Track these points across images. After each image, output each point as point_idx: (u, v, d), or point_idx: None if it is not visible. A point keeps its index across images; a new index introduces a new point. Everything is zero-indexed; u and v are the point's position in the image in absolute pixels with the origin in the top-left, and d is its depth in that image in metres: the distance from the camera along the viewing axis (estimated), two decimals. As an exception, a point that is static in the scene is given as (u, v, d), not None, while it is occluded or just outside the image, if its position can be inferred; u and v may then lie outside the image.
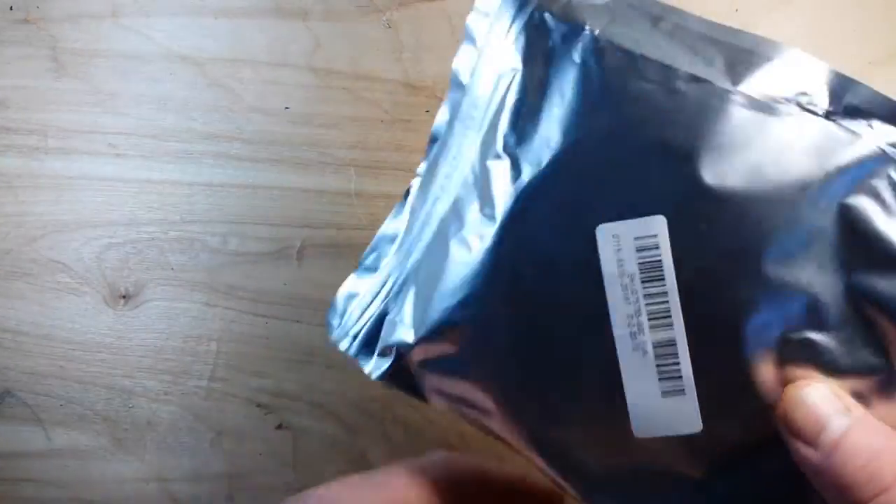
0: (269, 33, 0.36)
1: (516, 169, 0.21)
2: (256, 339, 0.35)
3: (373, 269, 0.24)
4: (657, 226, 0.20)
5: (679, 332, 0.20)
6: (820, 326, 0.19)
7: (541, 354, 0.21)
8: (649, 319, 0.20)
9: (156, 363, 0.36)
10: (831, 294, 0.19)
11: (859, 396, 0.19)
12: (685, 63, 0.20)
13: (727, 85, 0.20)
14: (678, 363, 0.20)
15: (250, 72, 0.36)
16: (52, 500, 0.36)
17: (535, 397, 0.21)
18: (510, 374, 0.21)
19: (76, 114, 0.36)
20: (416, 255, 0.23)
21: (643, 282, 0.20)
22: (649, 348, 0.20)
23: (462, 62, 0.24)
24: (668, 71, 0.20)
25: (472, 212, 0.22)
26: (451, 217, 0.22)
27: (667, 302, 0.20)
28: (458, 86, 0.24)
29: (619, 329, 0.20)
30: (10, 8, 0.37)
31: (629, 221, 0.20)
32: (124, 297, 0.36)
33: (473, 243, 0.21)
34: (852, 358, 0.19)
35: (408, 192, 0.24)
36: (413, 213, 0.23)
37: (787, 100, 0.20)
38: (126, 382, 0.36)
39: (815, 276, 0.19)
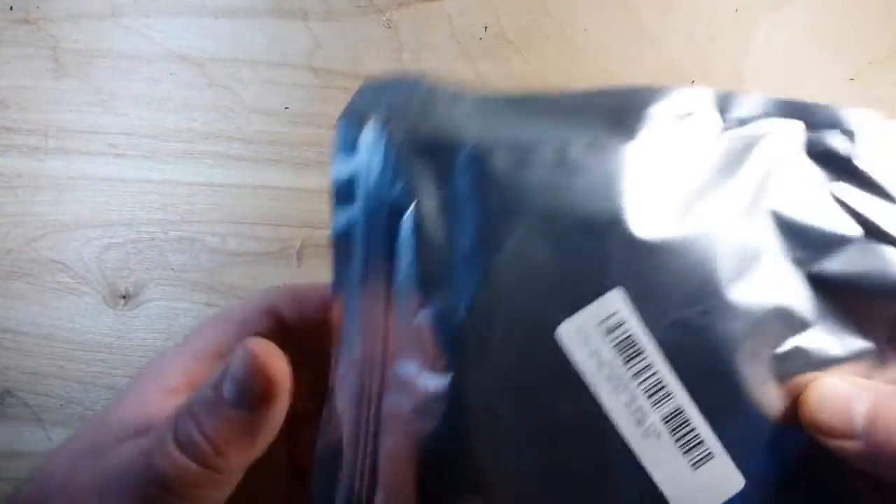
0: (269, 33, 0.36)
1: (445, 313, 0.19)
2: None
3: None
4: (616, 300, 0.19)
5: (682, 397, 0.19)
6: (802, 328, 0.19)
7: (559, 487, 0.20)
8: (648, 398, 0.19)
9: (156, 363, 0.36)
10: (798, 295, 0.19)
11: (861, 378, 0.20)
12: (572, 136, 0.20)
13: (619, 140, 0.20)
14: (694, 429, 0.19)
15: (250, 72, 0.36)
16: (52, 500, 0.36)
17: None
18: None
19: (76, 114, 0.36)
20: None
21: (625, 363, 0.19)
22: (660, 428, 0.19)
23: (343, 177, 0.21)
24: (558, 150, 0.20)
25: (415, 374, 0.20)
26: (393, 395, 0.20)
27: (656, 372, 0.19)
28: (346, 204, 0.21)
29: (623, 422, 0.19)
30: (11, 8, 0.37)
31: (587, 309, 0.19)
32: (124, 297, 0.36)
33: (431, 412, 0.20)
34: (842, 346, 0.20)
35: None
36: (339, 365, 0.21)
37: (683, 132, 0.20)
38: (126, 382, 0.36)
39: (777, 285, 0.19)
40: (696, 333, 0.19)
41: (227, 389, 0.19)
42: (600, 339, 0.19)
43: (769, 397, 0.19)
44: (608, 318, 0.19)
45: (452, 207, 0.20)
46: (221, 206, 0.36)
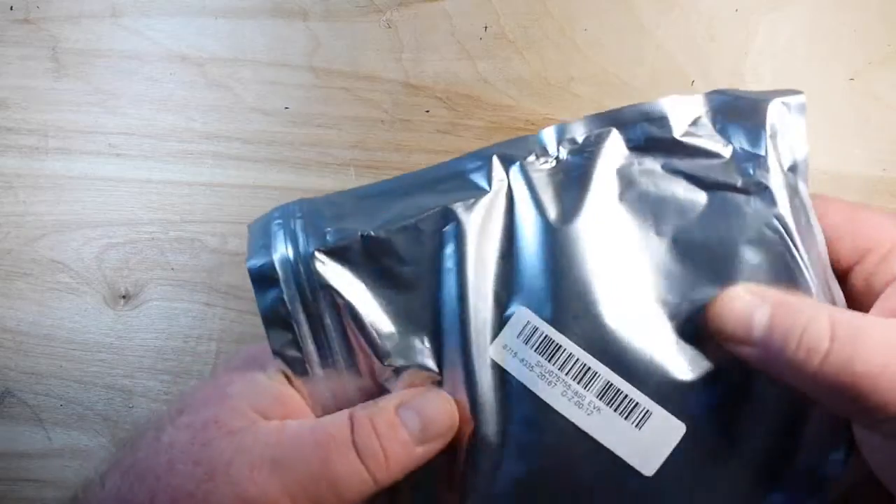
0: (269, 33, 0.36)
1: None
2: (256, 339, 0.35)
3: None
4: (523, 315, 0.23)
5: (606, 372, 0.23)
6: (669, 277, 0.24)
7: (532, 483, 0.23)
8: (578, 382, 0.23)
9: (156, 363, 0.36)
10: (667, 259, 0.24)
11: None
12: (443, 203, 0.24)
13: (481, 194, 0.24)
14: (626, 395, 0.23)
15: (250, 72, 0.36)
16: (52, 499, 0.36)
17: None
18: None
19: (76, 114, 0.36)
20: None
21: (549, 360, 0.23)
22: (598, 403, 0.23)
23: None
24: (433, 219, 0.24)
25: None
26: None
27: (578, 359, 0.23)
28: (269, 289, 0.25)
29: (566, 409, 0.23)
30: (11, 8, 0.37)
31: (504, 331, 0.23)
32: (124, 297, 0.36)
33: None
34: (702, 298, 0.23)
35: None
36: None
37: (528, 172, 0.24)
38: (126, 382, 0.36)
39: (651, 257, 0.24)
40: (597, 318, 0.23)
41: (409, 418, 0.23)
42: (523, 349, 0.23)
43: (677, 348, 0.23)
44: (522, 330, 0.23)
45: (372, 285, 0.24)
46: (221, 206, 0.36)
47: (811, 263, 0.23)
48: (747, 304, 0.22)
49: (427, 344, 0.24)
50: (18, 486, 0.36)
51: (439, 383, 0.24)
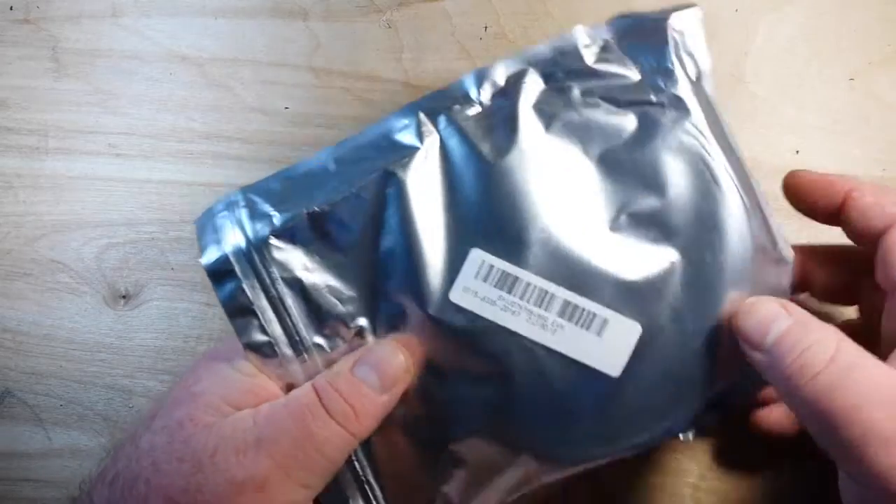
0: (269, 33, 0.36)
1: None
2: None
3: None
4: (477, 256, 0.25)
5: (562, 292, 0.25)
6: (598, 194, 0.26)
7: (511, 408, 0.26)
8: (539, 306, 0.25)
9: (156, 363, 0.36)
10: (596, 178, 0.26)
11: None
12: (383, 164, 0.25)
13: (393, 164, 0.25)
14: (584, 309, 0.25)
15: (250, 72, 0.36)
16: (52, 499, 0.36)
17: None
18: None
19: (76, 114, 0.36)
20: None
21: (509, 292, 0.25)
22: (560, 321, 0.25)
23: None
24: (378, 182, 0.25)
25: None
26: None
27: (534, 286, 0.25)
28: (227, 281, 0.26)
29: (533, 333, 0.25)
30: (11, 8, 0.37)
31: (461, 273, 0.25)
32: (124, 297, 0.36)
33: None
34: (633, 198, 0.26)
35: None
36: None
37: (456, 121, 0.26)
38: (126, 382, 0.36)
39: (584, 182, 0.25)
40: (545, 244, 0.25)
41: (365, 374, 0.24)
42: (483, 287, 0.25)
43: (621, 257, 0.25)
44: (479, 270, 0.25)
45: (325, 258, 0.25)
46: (221, 206, 0.36)
47: (729, 164, 0.25)
48: (771, 312, 0.23)
49: (388, 299, 0.25)
50: (18, 486, 0.36)
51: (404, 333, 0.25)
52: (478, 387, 0.25)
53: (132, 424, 0.25)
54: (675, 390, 0.25)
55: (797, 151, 0.35)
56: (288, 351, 0.25)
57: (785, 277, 0.26)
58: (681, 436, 0.27)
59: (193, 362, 0.27)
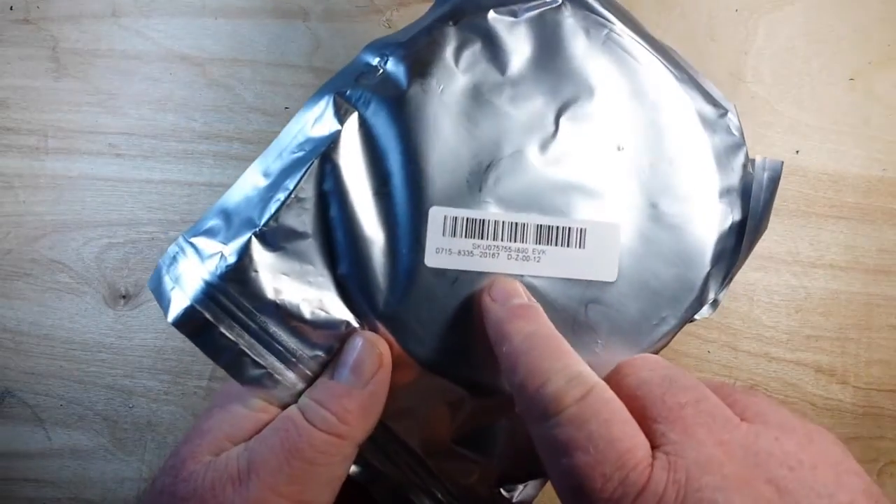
0: (269, 33, 0.36)
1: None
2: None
3: None
4: (438, 213, 0.25)
5: (530, 217, 0.25)
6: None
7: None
8: (515, 240, 0.25)
9: (156, 363, 0.36)
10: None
11: None
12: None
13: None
14: (557, 226, 0.25)
15: (250, 72, 0.36)
16: (52, 499, 0.36)
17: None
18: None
19: (76, 114, 0.36)
20: None
21: (482, 238, 0.25)
22: (540, 248, 0.25)
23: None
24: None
25: None
26: None
27: (501, 221, 0.25)
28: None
29: (518, 267, 0.25)
30: (11, 8, 0.37)
31: (427, 234, 0.25)
32: (124, 297, 0.36)
33: None
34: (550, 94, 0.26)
35: None
36: None
37: (365, 94, 0.25)
38: (126, 382, 0.36)
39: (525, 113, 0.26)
40: (498, 180, 0.25)
41: (339, 373, 0.24)
42: (454, 241, 0.25)
43: (574, 167, 0.25)
44: (444, 226, 0.25)
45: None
46: (221, 206, 0.36)
47: (643, 41, 0.26)
48: (513, 289, 0.24)
49: (368, 291, 0.25)
50: (18, 485, 0.36)
51: (373, 322, 0.25)
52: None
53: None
54: (675, 270, 0.26)
55: (797, 151, 0.35)
56: (290, 374, 0.25)
57: (733, 128, 0.27)
58: (696, 317, 0.26)
59: (214, 396, 0.26)
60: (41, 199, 0.36)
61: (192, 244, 0.25)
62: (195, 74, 0.36)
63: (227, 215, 0.25)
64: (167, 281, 0.25)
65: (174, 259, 0.25)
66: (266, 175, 0.25)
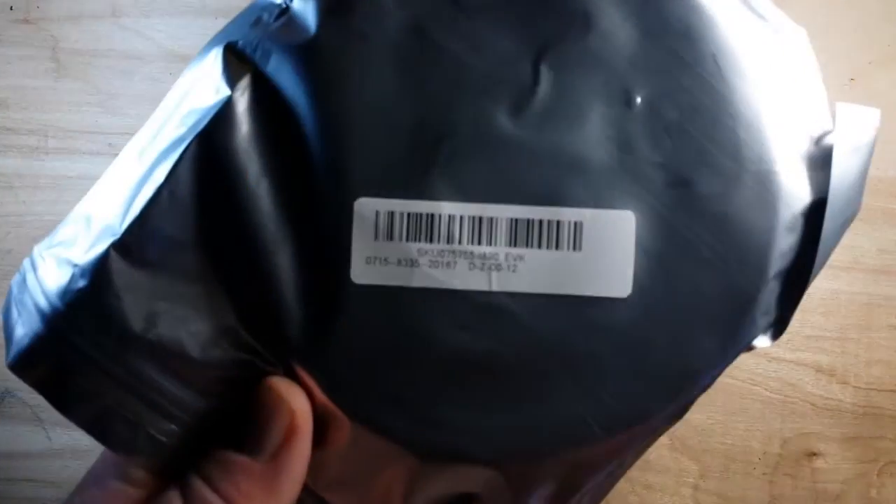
0: (269, 33, 0.36)
1: None
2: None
3: None
4: (367, 206, 0.18)
5: (499, 208, 0.17)
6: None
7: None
8: (478, 242, 0.18)
9: (156, 363, 0.36)
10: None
11: None
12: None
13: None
14: (538, 219, 0.17)
15: (250, 72, 0.36)
16: (52, 500, 0.35)
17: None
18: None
19: (76, 114, 0.36)
20: None
21: (429, 240, 0.18)
22: (516, 251, 0.18)
23: None
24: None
25: None
26: None
27: (458, 215, 0.18)
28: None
29: (486, 281, 0.18)
30: (11, 8, 0.37)
31: (355, 238, 0.18)
32: (124, 297, 0.36)
33: None
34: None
35: None
36: None
37: (267, 43, 0.18)
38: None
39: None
40: (451, 157, 0.17)
41: (240, 443, 0.17)
42: (392, 246, 0.17)
43: (551, 130, 0.18)
44: (376, 225, 0.17)
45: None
46: (221, 206, 0.36)
47: None
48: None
49: (277, 320, 0.18)
50: (18, 485, 0.36)
51: (287, 362, 0.18)
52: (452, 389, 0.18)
53: None
54: (719, 277, 0.18)
55: (797, 151, 0.35)
56: (175, 431, 0.18)
57: (802, 63, 0.19)
58: (755, 343, 0.18)
59: (93, 465, 0.20)
60: (41, 199, 0.36)
61: (43, 258, 0.18)
62: (195, 74, 0.36)
63: (88, 216, 0.19)
64: (13, 310, 0.18)
65: (24, 279, 0.18)
66: (140, 158, 0.18)
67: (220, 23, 0.38)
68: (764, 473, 0.33)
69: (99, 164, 0.36)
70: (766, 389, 0.35)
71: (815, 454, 0.34)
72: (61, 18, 0.37)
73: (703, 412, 0.33)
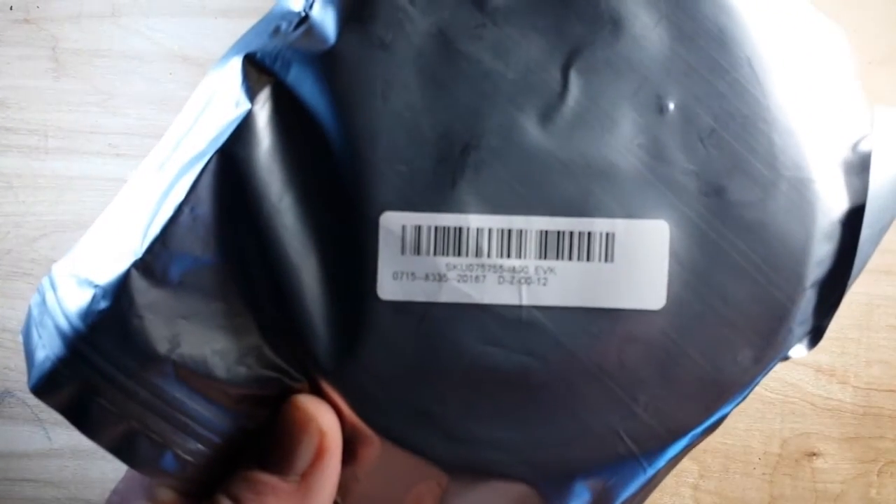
0: (269, 33, 0.36)
1: None
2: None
3: None
4: (393, 220, 0.17)
5: (528, 220, 0.17)
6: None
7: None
8: (508, 255, 0.17)
9: (156, 363, 0.36)
10: None
11: None
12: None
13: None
14: (569, 231, 0.17)
15: (250, 72, 0.36)
16: (51, 500, 0.35)
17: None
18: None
19: (76, 114, 0.36)
20: None
21: (457, 253, 0.17)
22: (546, 263, 0.17)
23: None
24: None
25: None
26: None
27: (486, 227, 0.17)
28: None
29: (517, 295, 0.17)
30: (11, 8, 0.37)
31: (382, 254, 0.18)
32: (124, 297, 0.36)
33: None
34: None
35: None
36: None
37: (286, 53, 0.18)
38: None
39: None
40: (478, 167, 0.17)
41: (268, 463, 0.17)
42: (419, 261, 0.17)
43: (581, 139, 0.17)
44: (403, 239, 0.17)
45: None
46: (221, 206, 0.36)
47: None
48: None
49: (303, 338, 0.17)
50: (18, 485, 0.36)
51: (314, 380, 0.18)
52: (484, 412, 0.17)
53: None
54: (755, 287, 0.17)
55: (797, 151, 0.35)
56: (203, 451, 0.18)
57: (843, 66, 0.18)
58: (791, 354, 0.18)
59: (115, 487, 0.20)
60: (41, 199, 0.36)
61: (63, 277, 0.18)
62: (196, 75, 0.36)
63: (108, 233, 0.18)
64: (34, 332, 0.18)
65: (43, 300, 0.18)
66: (160, 172, 0.18)
67: (221, 23, 0.38)
68: (764, 473, 0.33)
69: (99, 164, 0.36)
70: (765, 389, 0.35)
71: (814, 454, 0.34)
72: (61, 18, 0.37)
73: (703, 412, 0.33)
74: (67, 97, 0.36)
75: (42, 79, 0.37)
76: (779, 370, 0.35)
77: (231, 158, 0.17)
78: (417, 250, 0.17)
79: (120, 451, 0.17)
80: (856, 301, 0.35)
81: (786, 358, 0.18)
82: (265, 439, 0.18)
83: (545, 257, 0.17)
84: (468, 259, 0.17)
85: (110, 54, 0.37)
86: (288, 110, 0.17)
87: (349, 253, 0.17)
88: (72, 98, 0.36)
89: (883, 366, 0.35)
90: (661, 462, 0.18)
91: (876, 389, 0.35)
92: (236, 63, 0.18)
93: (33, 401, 0.36)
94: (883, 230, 0.19)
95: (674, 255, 0.17)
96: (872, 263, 0.35)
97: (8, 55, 0.37)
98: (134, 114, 0.36)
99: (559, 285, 0.17)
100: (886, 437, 0.35)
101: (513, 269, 0.17)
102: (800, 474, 0.34)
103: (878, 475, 0.35)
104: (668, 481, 0.33)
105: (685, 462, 0.33)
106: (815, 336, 0.18)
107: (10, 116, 0.37)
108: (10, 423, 0.36)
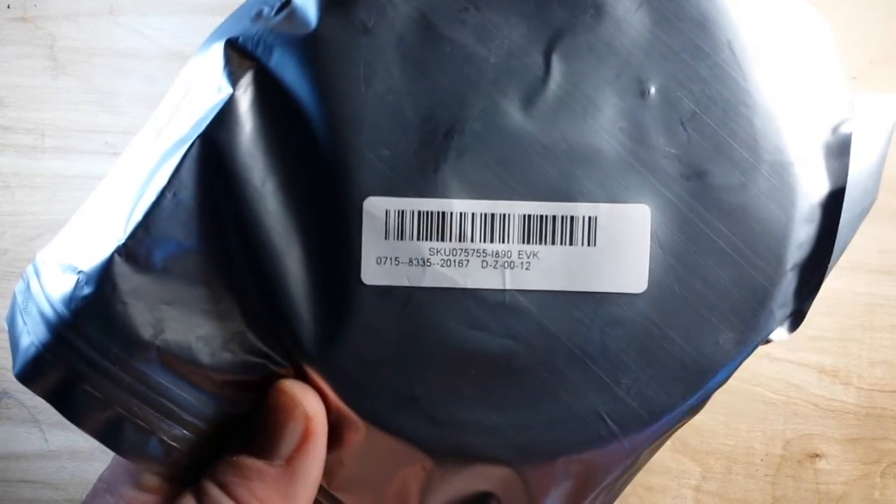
0: (268, 32, 0.36)
1: None
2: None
3: None
4: (376, 205, 0.18)
5: (512, 205, 0.17)
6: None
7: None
8: (491, 240, 0.18)
9: (153, 364, 0.35)
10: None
11: None
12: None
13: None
14: (552, 215, 0.17)
15: (249, 70, 0.36)
16: (49, 501, 0.35)
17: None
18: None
19: (73, 112, 0.36)
20: None
21: (441, 238, 0.18)
22: (529, 248, 0.18)
23: None
24: None
25: None
26: None
27: (470, 212, 0.17)
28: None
29: (501, 279, 0.18)
30: (8, 6, 0.37)
31: (366, 238, 0.18)
32: (122, 297, 0.36)
33: None
34: None
35: None
36: None
37: (268, 38, 0.18)
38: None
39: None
40: (461, 152, 0.17)
41: (254, 447, 0.18)
42: (402, 246, 0.17)
43: (562, 122, 0.17)
44: (386, 224, 0.17)
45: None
46: (220, 206, 0.36)
47: None
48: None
49: (287, 323, 0.17)
50: (16, 487, 0.36)
51: (299, 364, 0.18)
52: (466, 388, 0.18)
53: None
54: (737, 270, 0.18)
55: (799, 151, 0.35)
56: (187, 437, 0.18)
57: (823, 50, 0.19)
58: (772, 337, 0.19)
59: (101, 474, 0.20)
60: (38, 199, 0.36)
61: (47, 264, 0.18)
62: (193, 73, 0.36)
63: (92, 220, 0.19)
64: (18, 319, 0.18)
65: (27, 287, 0.18)
66: (143, 158, 0.18)
67: (218, 21, 0.38)
68: (766, 475, 0.33)
69: (96, 163, 0.36)
70: (768, 390, 0.35)
71: (817, 455, 0.34)
72: (59, 16, 0.37)
73: (706, 413, 0.33)
74: (65, 96, 0.36)
75: (39, 77, 0.36)
76: (782, 371, 0.35)
77: (213, 143, 0.17)
78: (401, 235, 0.17)
79: (105, 437, 0.17)
80: (858, 302, 0.35)
81: (767, 341, 0.19)
82: (251, 424, 0.18)
83: (528, 242, 0.17)
84: (452, 244, 0.17)
85: (108, 53, 0.36)
86: (270, 95, 0.17)
87: (333, 238, 0.17)
88: (69, 97, 0.36)
89: (886, 367, 0.35)
90: (644, 444, 0.18)
91: (879, 390, 0.35)
92: (218, 48, 0.18)
93: (31, 402, 0.36)
94: (863, 213, 0.19)
95: (655, 239, 0.17)
96: (874, 264, 0.35)
97: (5, 54, 0.37)
98: (131, 112, 0.36)
99: (542, 269, 0.17)
100: (889, 439, 0.35)
101: (496, 254, 0.17)
102: (802, 476, 0.33)
103: (881, 476, 0.35)
104: (670, 482, 0.33)
105: (687, 463, 0.33)
106: (796, 319, 0.19)
107: (7, 115, 0.36)
108: (7, 425, 0.36)
